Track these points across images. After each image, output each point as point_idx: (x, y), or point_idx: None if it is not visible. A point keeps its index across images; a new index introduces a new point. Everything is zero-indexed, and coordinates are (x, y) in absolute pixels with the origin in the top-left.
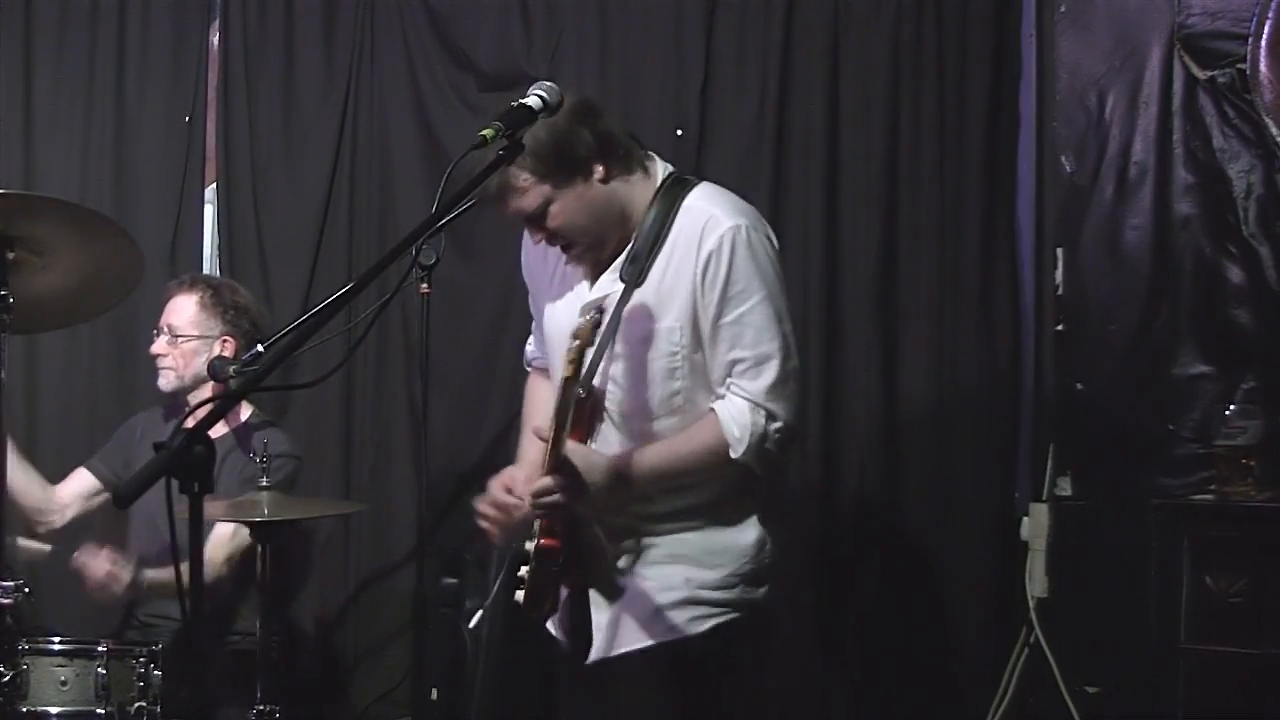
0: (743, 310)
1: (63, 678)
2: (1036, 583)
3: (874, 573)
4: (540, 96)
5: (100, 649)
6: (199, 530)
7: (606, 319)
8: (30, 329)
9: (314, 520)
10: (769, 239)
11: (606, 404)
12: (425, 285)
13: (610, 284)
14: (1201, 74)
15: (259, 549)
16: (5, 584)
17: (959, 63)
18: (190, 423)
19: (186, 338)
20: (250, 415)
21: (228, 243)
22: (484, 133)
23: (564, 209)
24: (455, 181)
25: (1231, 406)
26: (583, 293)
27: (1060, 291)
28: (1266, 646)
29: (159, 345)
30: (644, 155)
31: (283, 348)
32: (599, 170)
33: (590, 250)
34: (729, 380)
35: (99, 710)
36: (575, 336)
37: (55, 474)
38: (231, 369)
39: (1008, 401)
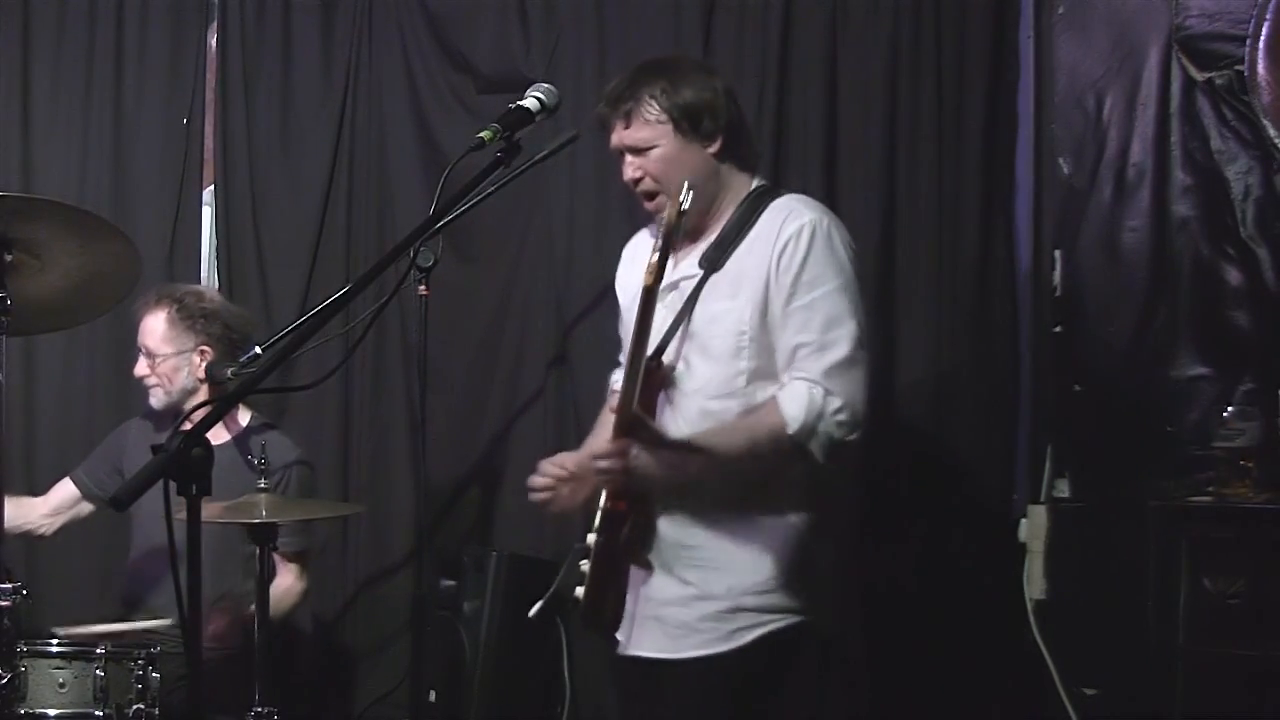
0: (814, 296)
1: (61, 680)
2: (1034, 584)
3: (870, 574)
4: (538, 98)
5: (98, 651)
6: (196, 532)
7: (684, 297)
8: (28, 331)
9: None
10: (849, 242)
11: (676, 380)
12: (423, 287)
13: (690, 268)
14: (1199, 76)
15: (258, 551)
16: (4, 586)
17: (957, 64)
18: (188, 425)
19: (164, 356)
20: (250, 419)
21: (226, 245)
22: (482, 134)
23: (669, 156)
24: (453, 183)
25: (1229, 408)
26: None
27: (1058, 293)
28: (1265, 648)
29: (140, 367)
30: (755, 164)
31: (281, 350)
32: (717, 144)
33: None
34: (791, 366)
35: (97, 712)
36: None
37: (53, 475)
38: (229, 371)
39: (1005, 403)
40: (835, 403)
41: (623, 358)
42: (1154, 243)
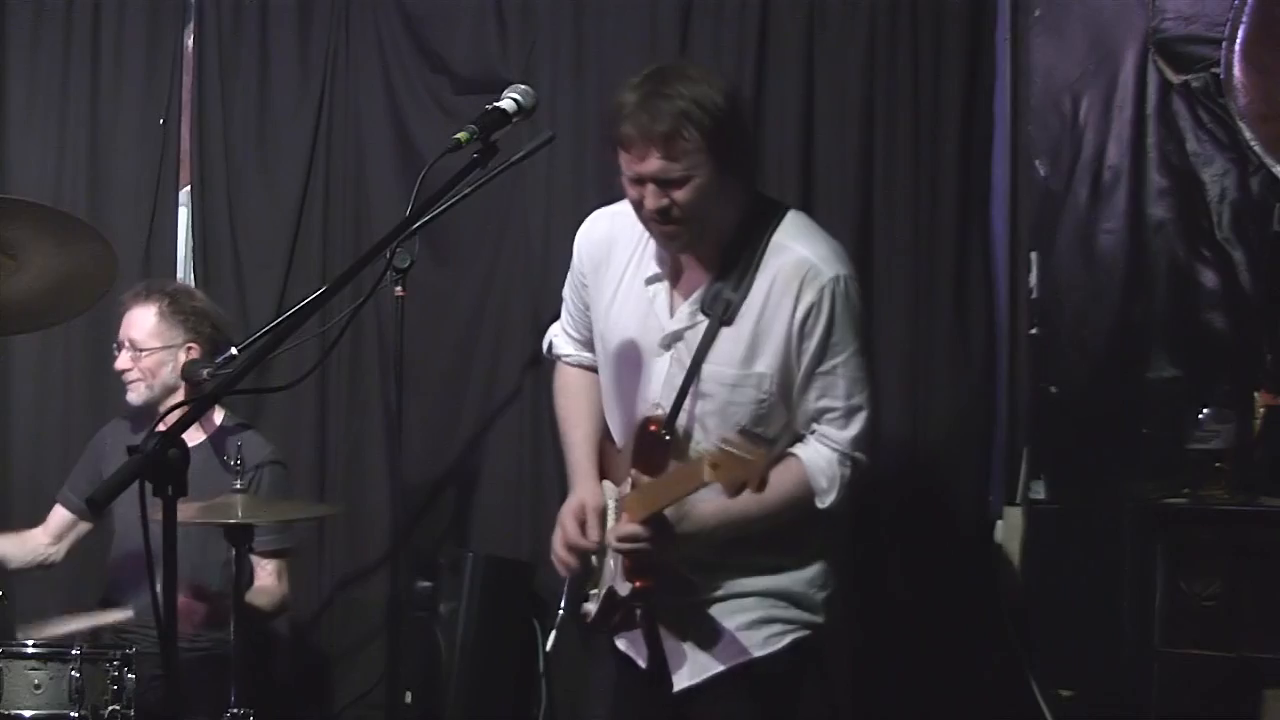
0: (838, 361)
1: (36, 681)
2: (1011, 586)
3: (846, 576)
4: (515, 100)
5: (74, 652)
6: (173, 533)
7: (690, 355)
8: (3, 331)
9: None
10: (860, 291)
11: (692, 445)
12: (400, 288)
13: (691, 316)
14: (1176, 78)
15: (233, 553)
16: None
17: (933, 67)
18: (163, 426)
19: (150, 350)
20: (224, 419)
21: (202, 245)
22: (458, 136)
23: (704, 190)
24: (430, 185)
25: (1205, 410)
26: (660, 311)
27: (1034, 295)
28: (1240, 649)
29: (122, 360)
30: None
31: (257, 351)
32: (740, 172)
33: (683, 239)
34: (815, 427)
35: (72, 714)
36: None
37: (27, 476)
38: (205, 372)
39: (982, 405)
40: (859, 471)
41: (570, 328)
42: (1130, 245)
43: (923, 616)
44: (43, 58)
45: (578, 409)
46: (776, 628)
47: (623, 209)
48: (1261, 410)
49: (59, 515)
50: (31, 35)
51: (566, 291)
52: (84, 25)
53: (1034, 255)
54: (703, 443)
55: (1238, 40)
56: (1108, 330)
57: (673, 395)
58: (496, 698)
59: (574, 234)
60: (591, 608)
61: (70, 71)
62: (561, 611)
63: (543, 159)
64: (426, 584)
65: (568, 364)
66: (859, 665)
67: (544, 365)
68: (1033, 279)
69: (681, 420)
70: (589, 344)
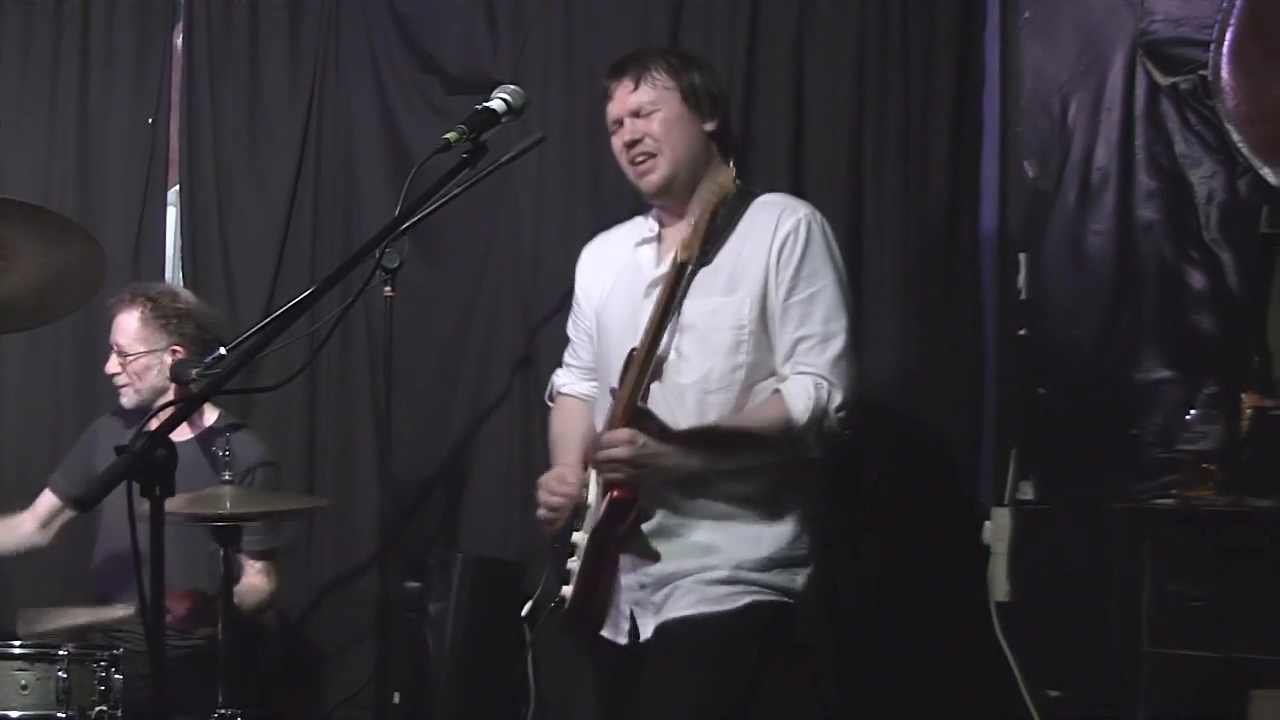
0: (814, 290)
1: (23, 681)
2: (998, 586)
3: (834, 575)
4: (505, 100)
5: (61, 653)
6: (160, 533)
7: (676, 292)
8: None
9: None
10: (835, 239)
11: (666, 371)
12: (389, 288)
13: (673, 262)
14: (1164, 80)
15: (221, 551)
16: None
17: (923, 68)
18: (153, 425)
19: (135, 355)
20: (216, 419)
21: (191, 245)
22: (448, 136)
23: (670, 120)
24: (419, 184)
25: (1193, 411)
26: (646, 265)
27: (1023, 296)
28: (1228, 650)
29: (111, 365)
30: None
31: (246, 351)
32: (712, 124)
33: (660, 171)
34: (793, 359)
35: (60, 714)
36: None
37: (16, 475)
38: (194, 371)
39: (970, 405)
40: (838, 397)
41: (570, 359)
42: (1118, 246)
43: (910, 617)
44: (32, 56)
45: (571, 432)
46: (738, 587)
47: (615, 228)
48: (1249, 412)
49: (47, 500)
50: (20, 35)
51: (569, 327)
52: (73, 25)
53: (1022, 256)
54: (677, 368)
55: (1225, 42)
56: (1096, 331)
57: (652, 327)
58: (485, 698)
59: (564, 234)
60: (568, 590)
61: (59, 71)
62: (541, 584)
63: (533, 159)
64: (415, 584)
65: (563, 394)
66: (845, 664)
67: (533, 365)
68: (1021, 280)
69: (660, 349)
70: (587, 369)
